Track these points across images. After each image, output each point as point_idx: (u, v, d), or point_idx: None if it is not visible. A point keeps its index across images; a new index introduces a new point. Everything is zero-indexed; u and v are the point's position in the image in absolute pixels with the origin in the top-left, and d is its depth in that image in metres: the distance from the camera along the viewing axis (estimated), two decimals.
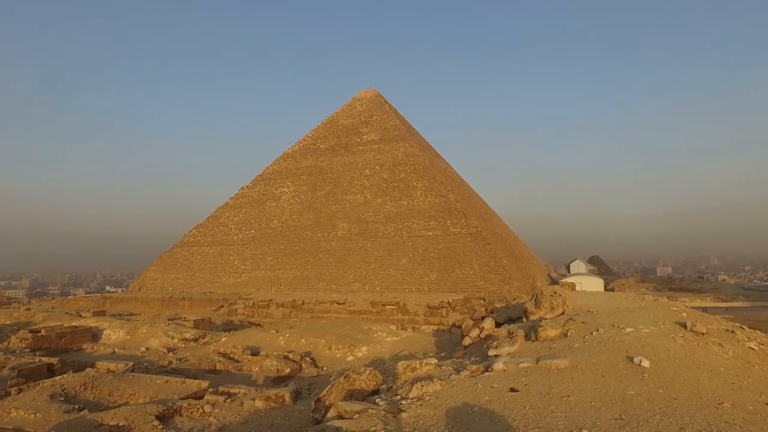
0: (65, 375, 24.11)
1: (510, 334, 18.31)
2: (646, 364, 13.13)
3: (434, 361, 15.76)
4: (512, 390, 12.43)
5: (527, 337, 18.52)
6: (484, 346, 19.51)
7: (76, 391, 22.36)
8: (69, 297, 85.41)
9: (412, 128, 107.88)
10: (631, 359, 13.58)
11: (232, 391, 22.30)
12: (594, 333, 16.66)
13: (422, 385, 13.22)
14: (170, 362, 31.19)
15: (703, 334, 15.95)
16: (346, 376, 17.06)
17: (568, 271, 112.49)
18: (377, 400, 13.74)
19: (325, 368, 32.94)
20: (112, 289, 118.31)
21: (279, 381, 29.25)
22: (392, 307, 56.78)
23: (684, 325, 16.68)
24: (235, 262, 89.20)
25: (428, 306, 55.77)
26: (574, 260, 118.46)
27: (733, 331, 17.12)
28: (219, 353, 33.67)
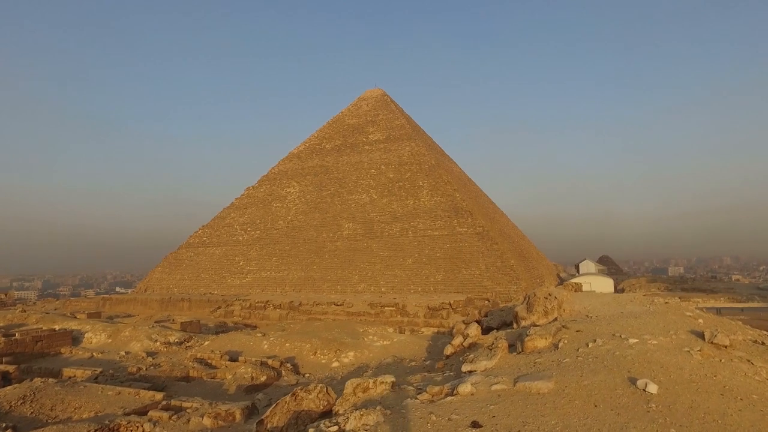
0: (7, 387, 21.32)
1: (492, 344, 15.05)
2: (652, 389, 9.82)
3: (391, 379, 12.58)
4: (474, 425, 9.20)
5: (513, 348, 15.26)
6: (460, 358, 16.26)
7: (11, 406, 19.52)
8: (72, 298, 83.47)
9: (418, 127, 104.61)
10: (633, 382, 10.27)
11: (184, 405, 19.30)
12: (590, 345, 13.34)
13: (362, 414, 10.06)
14: (139, 369, 28.32)
15: (725, 347, 12.56)
16: (293, 395, 13.98)
17: (578, 271, 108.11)
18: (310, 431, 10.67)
19: (307, 375, 29.82)
20: (122, 290, 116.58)
21: (252, 390, 26.20)
22: (391, 308, 53.53)
23: (701, 336, 13.29)
24: (240, 263, 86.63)
25: (428, 307, 52.43)
26: (584, 260, 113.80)
27: (763, 343, 13.67)
28: (195, 359, 30.79)
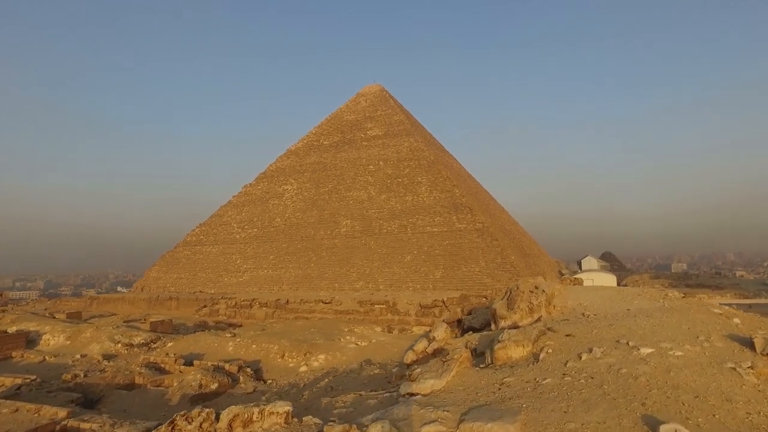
0: None
1: (448, 355, 10.61)
2: None
3: (285, 408, 8.21)
4: None
5: (482, 359, 10.84)
6: (406, 373, 11.79)
7: None
8: (63, 298, 79.93)
9: (417, 123, 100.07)
10: (653, 427, 5.82)
11: (83, 426, 15.11)
12: (584, 356, 8.87)
13: None
14: (76, 376, 24.11)
15: None
16: (171, 423, 9.72)
17: (580, 268, 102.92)
18: None
19: (269, 381, 25.48)
20: (123, 290, 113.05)
21: (199, 400, 21.90)
22: (381, 306, 49.11)
23: (748, 343, 8.73)
24: (238, 261, 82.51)
25: (420, 305, 47.95)
26: (586, 256, 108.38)
27: None
28: (147, 363, 26.56)
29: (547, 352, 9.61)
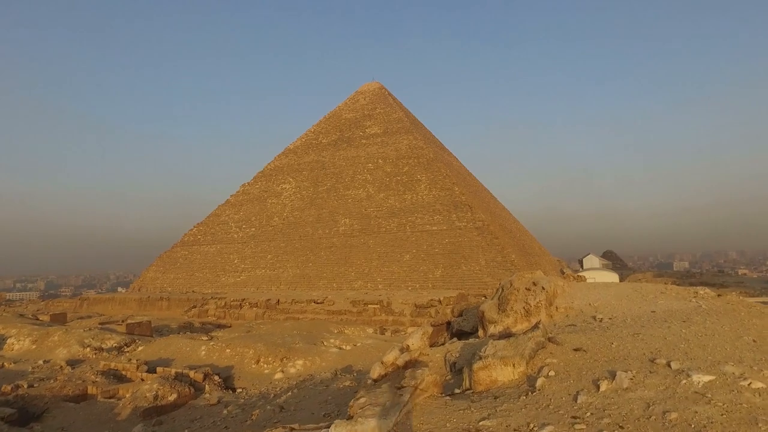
0: None
1: (404, 382, 7.45)
2: None
3: None
4: None
5: (459, 379, 7.69)
6: (351, 402, 8.61)
7: None
8: (56, 299, 77.13)
9: (416, 121, 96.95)
10: None
11: None
12: (603, 385, 5.64)
13: None
14: (18, 387, 20.99)
15: None
16: None
17: (582, 266, 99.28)
18: None
19: (240, 390, 22.33)
20: (123, 290, 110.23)
21: (154, 413, 18.79)
22: (375, 306, 45.91)
23: None
24: (235, 261, 79.57)
25: (415, 305, 44.72)
26: (588, 255, 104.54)
27: None
28: (106, 370, 23.49)
29: (547, 376, 6.40)
